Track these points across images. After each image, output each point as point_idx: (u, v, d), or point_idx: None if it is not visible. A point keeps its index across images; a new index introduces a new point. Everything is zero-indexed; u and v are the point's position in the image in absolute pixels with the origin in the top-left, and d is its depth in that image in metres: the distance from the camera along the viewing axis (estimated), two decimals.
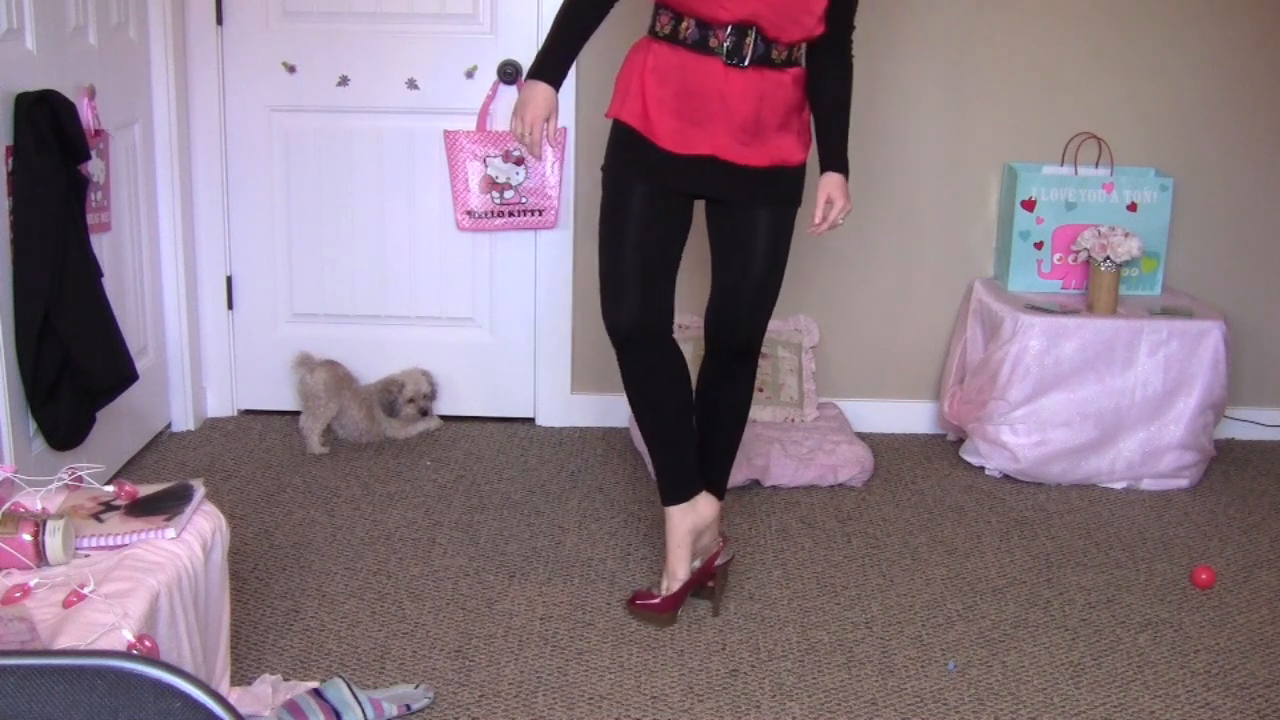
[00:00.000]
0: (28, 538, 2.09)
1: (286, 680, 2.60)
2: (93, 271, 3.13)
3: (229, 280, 3.98)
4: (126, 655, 1.24)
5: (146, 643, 1.94)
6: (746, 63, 2.65)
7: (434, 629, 2.84)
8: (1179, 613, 3.03)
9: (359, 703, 2.46)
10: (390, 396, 3.85)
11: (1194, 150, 3.95)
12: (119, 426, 3.50)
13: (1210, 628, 2.97)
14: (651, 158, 2.72)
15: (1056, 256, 3.87)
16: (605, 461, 3.81)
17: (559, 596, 3.00)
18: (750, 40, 2.64)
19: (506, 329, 4.04)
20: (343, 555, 3.17)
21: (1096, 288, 3.73)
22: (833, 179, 2.80)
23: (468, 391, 4.07)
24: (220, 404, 4.06)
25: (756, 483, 3.64)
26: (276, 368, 4.01)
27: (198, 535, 2.28)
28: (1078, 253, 3.82)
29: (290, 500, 3.48)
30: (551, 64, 2.74)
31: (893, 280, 4.04)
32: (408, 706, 2.52)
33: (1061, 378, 3.65)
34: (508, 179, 3.83)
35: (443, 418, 4.04)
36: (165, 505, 2.30)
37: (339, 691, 2.48)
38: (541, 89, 2.73)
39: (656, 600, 2.89)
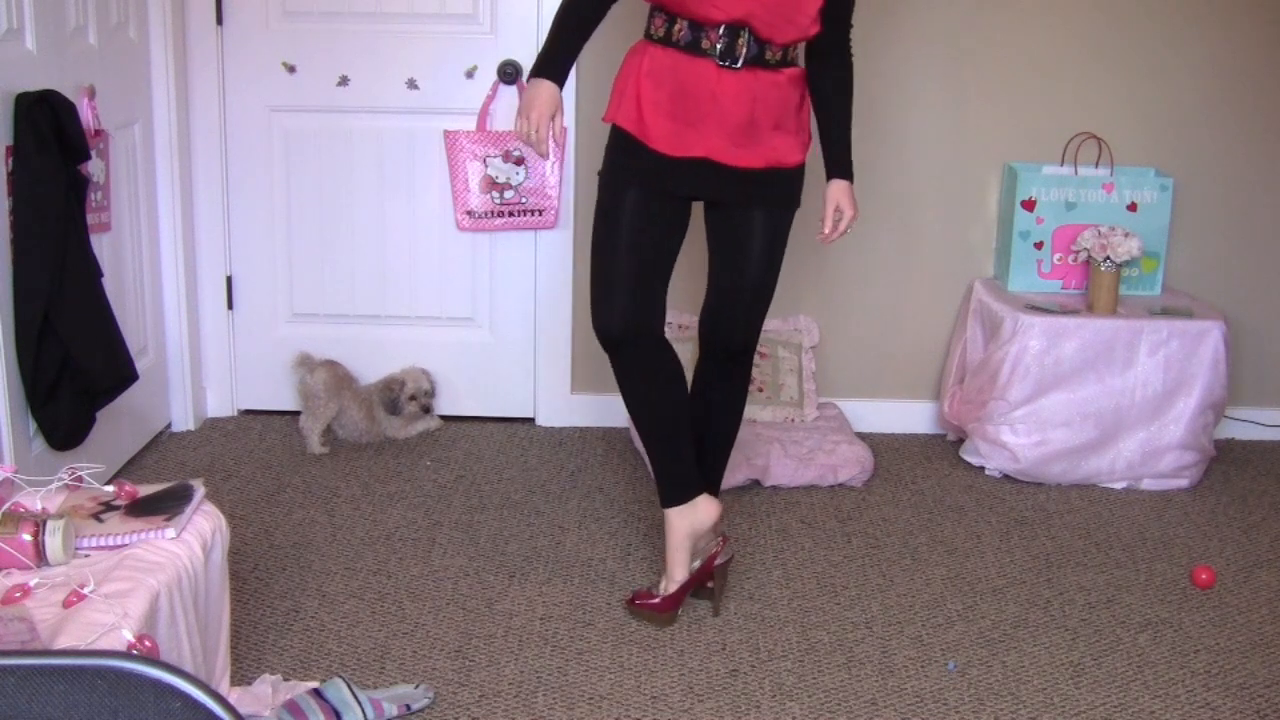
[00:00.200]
0: (28, 538, 2.09)
1: (286, 680, 2.59)
2: (93, 271, 3.13)
3: (229, 280, 3.98)
4: (126, 655, 1.24)
5: (146, 643, 1.94)
6: (740, 64, 2.65)
7: (434, 629, 2.84)
8: (1179, 613, 3.03)
9: (359, 703, 2.46)
10: (392, 394, 3.85)
11: (1194, 150, 3.95)
12: (119, 426, 3.50)
13: (1210, 628, 2.97)
14: (646, 161, 2.72)
15: (1056, 256, 3.87)
16: (605, 461, 3.81)
17: (559, 596, 3.00)
18: (743, 41, 2.64)
19: (506, 329, 4.04)
20: (343, 555, 3.17)
21: (1096, 288, 3.73)
22: (840, 186, 2.81)
23: (467, 391, 4.07)
24: (220, 404, 4.06)
25: (756, 483, 3.64)
26: (276, 368, 4.01)
27: (198, 535, 2.28)
28: (1078, 253, 3.82)
29: (290, 500, 3.48)
30: (554, 62, 2.73)
31: (893, 280, 4.04)
32: (408, 706, 2.52)
33: (1061, 378, 3.65)
34: (508, 179, 3.83)
35: (443, 418, 4.04)
36: (165, 505, 2.30)
37: (339, 691, 2.48)
38: (546, 86, 2.71)
39: (656, 600, 2.89)
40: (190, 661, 2.20)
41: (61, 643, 1.88)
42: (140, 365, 3.45)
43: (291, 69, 3.83)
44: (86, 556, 2.16)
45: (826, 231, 2.82)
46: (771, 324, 3.84)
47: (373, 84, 3.83)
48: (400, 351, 3.99)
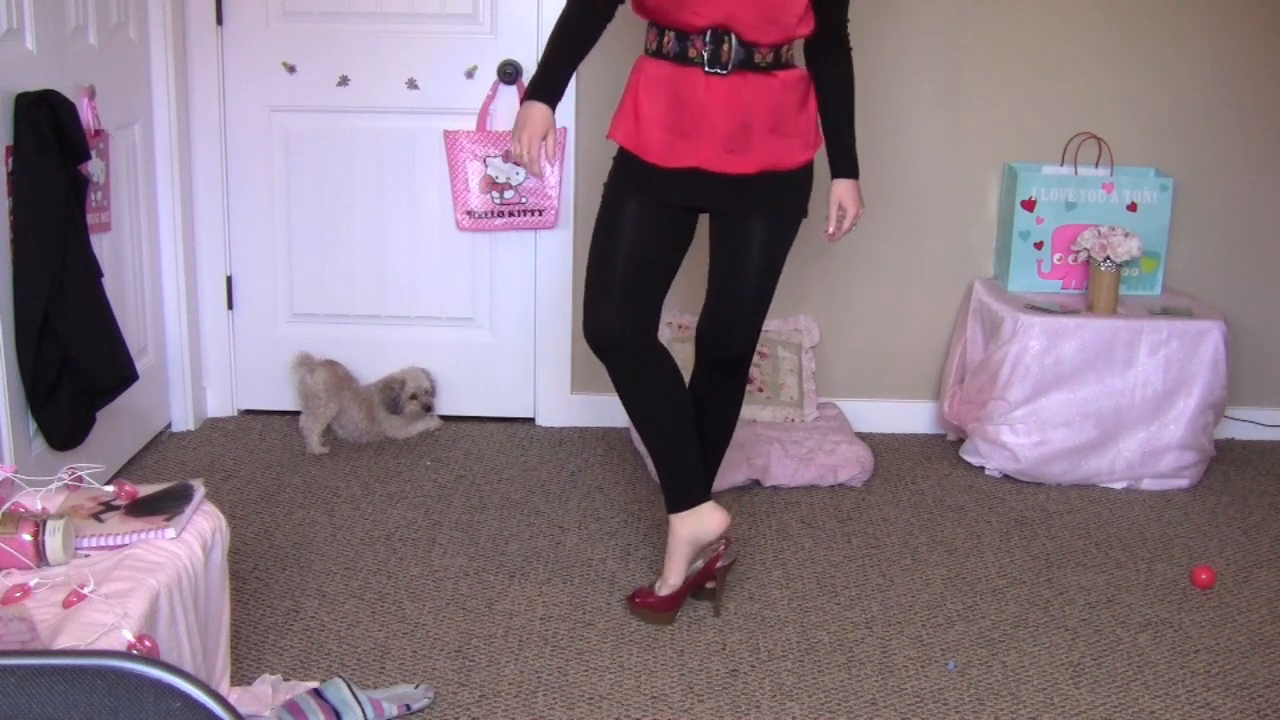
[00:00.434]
0: (28, 538, 2.10)
1: (286, 680, 2.60)
2: (93, 271, 3.13)
3: (229, 280, 3.98)
4: (126, 655, 1.24)
5: (146, 643, 1.94)
6: (728, 69, 2.65)
7: (434, 629, 2.84)
8: (1179, 613, 3.03)
9: (359, 703, 2.46)
10: (393, 394, 3.85)
11: (1194, 150, 3.95)
12: (119, 426, 3.50)
13: (1210, 628, 2.97)
14: (643, 173, 2.73)
15: (1056, 256, 3.87)
16: (605, 461, 3.81)
17: (559, 596, 3.00)
18: (729, 46, 2.64)
19: (506, 329, 4.04)
20: (343, 555, 3.17)
21: (1096, 288, 3.73)
22: (844, 184, 2.82)
23: (467, 391, 4.07)
24: (220, 404, 4.06)
25: (756, 483, 3.64)
26: (276, 368, 4.01)
27: (198, 535, 2.28)
28: (1078, 253, 3.82)
29: (290, 500, 3.48)
30: (547, 84, 2.76)
31: (893, 280, 4.04)
32: (408, 706, 2.52)
33: (1061, 378, 3.65)
34: (508, 179, 3.83)
35: (443, 418, 4.04)
36: (165, 505, 2.30)
37: (339, 691, 2.48)
38: (538, 109, 2.74)
39: (656, 598, 2.89)
40: (190, 661, 2.20)
41: (61, 643, 1.88)
42: (140, 365, 3.45)
43: (291, 69, 3.83)
44: (86, 556, 2.16)
45: (831, 230, 2.84)
46: (771, 324, 3.84)
47: (373, 84, 3.83)
48: (400, 351, 3.99)
